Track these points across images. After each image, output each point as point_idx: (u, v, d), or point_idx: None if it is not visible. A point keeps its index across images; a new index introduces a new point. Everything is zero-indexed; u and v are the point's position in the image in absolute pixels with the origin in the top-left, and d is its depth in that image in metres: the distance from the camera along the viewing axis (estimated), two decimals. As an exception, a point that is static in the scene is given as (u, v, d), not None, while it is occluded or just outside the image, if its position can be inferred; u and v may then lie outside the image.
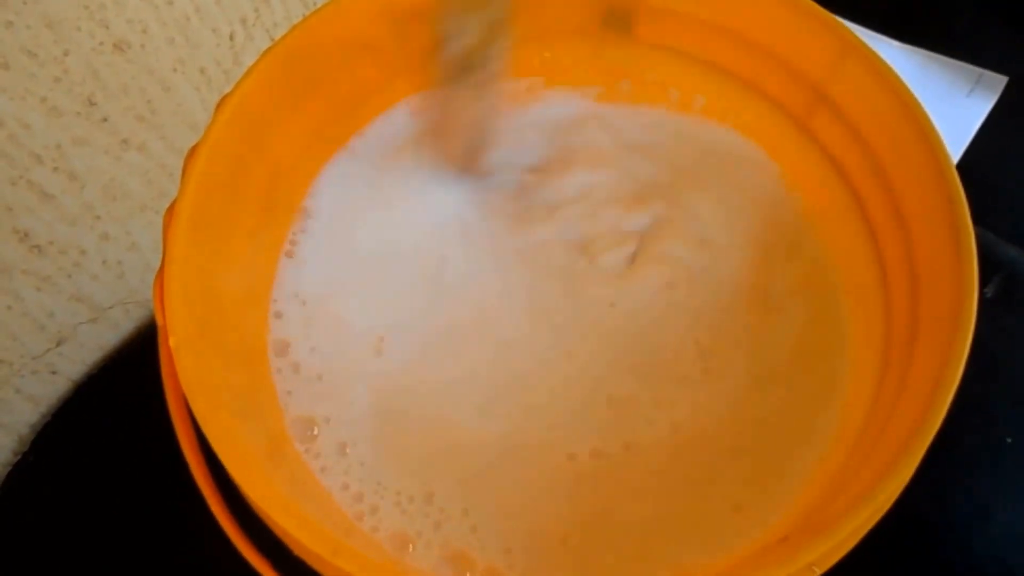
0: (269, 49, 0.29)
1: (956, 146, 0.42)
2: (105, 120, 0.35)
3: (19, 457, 0.39)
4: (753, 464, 0.27)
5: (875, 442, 0.24)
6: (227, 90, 0.28)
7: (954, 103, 0.44)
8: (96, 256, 0.38)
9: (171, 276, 0.24)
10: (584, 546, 0.26)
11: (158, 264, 0.25)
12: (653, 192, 0.32)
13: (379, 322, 0.30)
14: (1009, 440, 0.34)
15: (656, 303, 0.30)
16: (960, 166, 0.25)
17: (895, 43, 0.47)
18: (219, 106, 0.27)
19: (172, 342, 0.23)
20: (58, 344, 0.39)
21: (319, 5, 0.30)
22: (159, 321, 0.24)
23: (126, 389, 0.37)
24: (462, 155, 0.32)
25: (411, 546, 0.26)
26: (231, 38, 0.39)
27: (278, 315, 0.30)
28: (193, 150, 0.26)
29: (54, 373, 0.39)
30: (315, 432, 0.28)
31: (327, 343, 0.30)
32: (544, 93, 0.35)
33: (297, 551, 0.22)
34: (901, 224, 0.28)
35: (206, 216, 0.26)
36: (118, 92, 0.35)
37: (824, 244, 0.31)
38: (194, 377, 0.23)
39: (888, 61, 0.28)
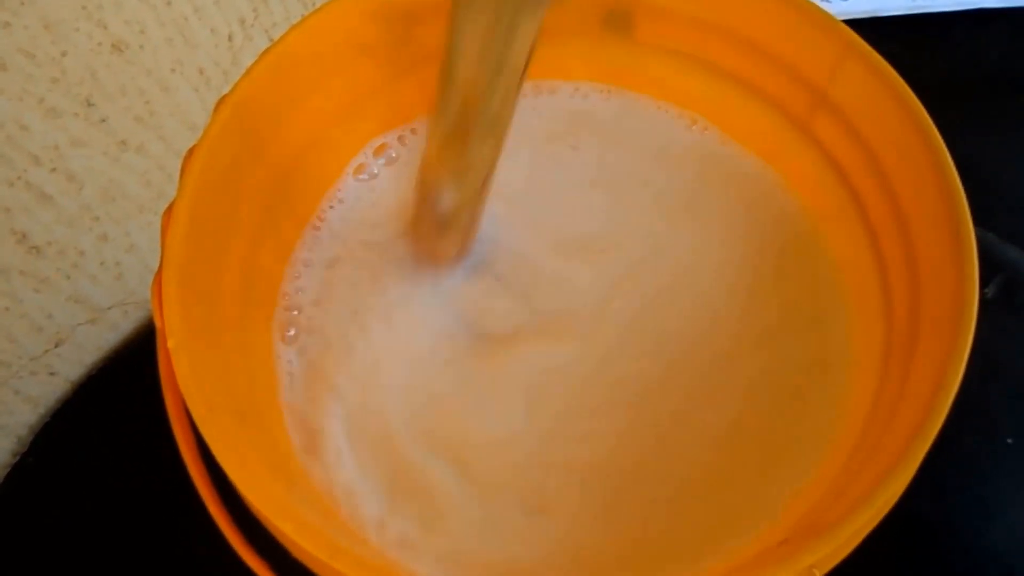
0: (268, 50, 0.29)
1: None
2: (103, 121, 0.35)
3: (18, 458, 0.39)
4: (753, 466, 0.27)
5: (876, 444, 0.24)
6: (226, 91, 0.28)
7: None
8: (95, 257, 0.38)
9: (169, 278, 0.24)
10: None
11: (157, 265, 0.25)
12: (652, 193, 0.32)
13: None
14: (1010, 441, 0.34)
15: (656, 307, 0.30)
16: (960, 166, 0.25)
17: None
18: (218, 107, 0.27)
19: (170, 344, 0.23)
20: (56, 345, 0.38)
21: (318, 6, 0.30)
22: (157, 323, 0.24)
23: (125, 390, 0.37)
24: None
25: (412, 550, 0.26)
26: (230, 39, 0.39)
27: (280, 318, 0.30)
28: (192, 151, 0.26)
29: (53, 374, 0.39)
30: (316, 436, 0.28)
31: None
32: (544, 93, 0.35)
33: (296, 554, 0.22)
34: (901, 225, 0.27)
35: (205, 217, 0.26)
36: (116, 93, 0.35)
37: (824, 245, 0.31)
38: (192, 379, 0.23)
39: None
